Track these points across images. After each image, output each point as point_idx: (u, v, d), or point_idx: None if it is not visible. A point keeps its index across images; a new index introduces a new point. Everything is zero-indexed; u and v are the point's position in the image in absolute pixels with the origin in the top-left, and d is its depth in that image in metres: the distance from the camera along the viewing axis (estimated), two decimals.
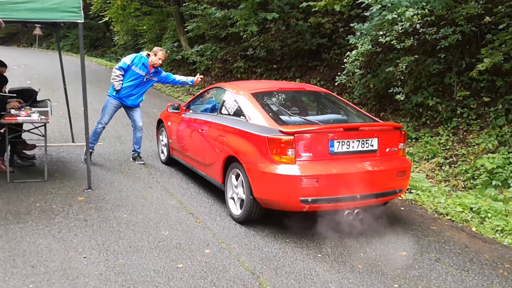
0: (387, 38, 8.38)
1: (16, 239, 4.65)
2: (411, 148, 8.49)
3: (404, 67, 8.59)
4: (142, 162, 7.66)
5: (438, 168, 7.74)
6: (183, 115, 7.05)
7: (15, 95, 7.00)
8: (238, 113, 5.70)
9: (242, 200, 5.30)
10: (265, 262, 4.46)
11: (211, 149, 5.91)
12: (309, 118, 5.52)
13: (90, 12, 24.69)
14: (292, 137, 4.82)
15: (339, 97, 6.76)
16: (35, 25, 20.00)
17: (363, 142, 5.11)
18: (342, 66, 9.51)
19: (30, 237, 4.73)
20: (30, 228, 4.95)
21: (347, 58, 9.16)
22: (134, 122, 7.63)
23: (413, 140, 8.73)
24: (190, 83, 7.82)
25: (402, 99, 8.70)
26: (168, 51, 19.29)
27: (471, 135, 8.10)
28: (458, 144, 8.11)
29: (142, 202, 5.91)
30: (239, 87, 6.17)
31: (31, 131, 6.97)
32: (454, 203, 6.32)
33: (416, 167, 7.82)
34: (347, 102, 6.49)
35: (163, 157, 7.87)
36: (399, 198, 6.50)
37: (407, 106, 9.38)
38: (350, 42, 9.36)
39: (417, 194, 6.67)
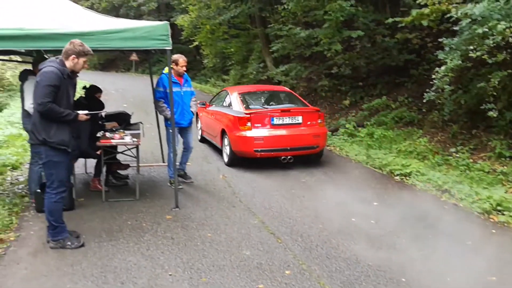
0: (478, 53, 8.00)
1: (108, 256, 4.95)
2: (505, 167, 7.99)
3: (496, 82, 8.15)
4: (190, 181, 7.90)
5: None
6: (207, 108, 10.67)
7: (103, 113, 7.40)
8: (230, 105, 9.52)
9: (227, 153, 8.96)
10: (346, 285, 4.40)
11: (216, 126, 9.69)
12: (266, 106, 9.51)
13: (182, 37, 25.81)
14: (249, 116, 8.64)
15: (295, 93, 10.68)
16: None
17: (292, 118, 8.87)
18: (431, 82, 9.19)
19: (121, 254, 5.01)
20: (121, 245, 5.24)
21: (436, 74, 8.86)
22: (187, 143, 7.86)
23: (507, 159, 8.21)
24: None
25: (495, 115, 8.24)
26: (254, 72, 19.67)
27: None
28: None
29: (225, 221, 6.06)
30: (234, 90, 10.16)
31: (124, 152, 7.40)
32: None
33: (510, 188, 7.35)
34: (298, 96, 10.37)
35: (199, 137, 11.18)
36: (491, 221, 6.18)
37: (501, 123, 8.86)
38: (439, 57, 9.05)
39: (510, 216, 6.26)
